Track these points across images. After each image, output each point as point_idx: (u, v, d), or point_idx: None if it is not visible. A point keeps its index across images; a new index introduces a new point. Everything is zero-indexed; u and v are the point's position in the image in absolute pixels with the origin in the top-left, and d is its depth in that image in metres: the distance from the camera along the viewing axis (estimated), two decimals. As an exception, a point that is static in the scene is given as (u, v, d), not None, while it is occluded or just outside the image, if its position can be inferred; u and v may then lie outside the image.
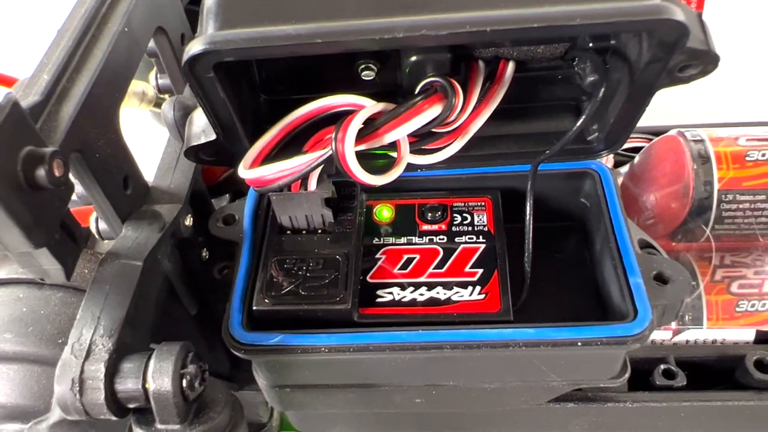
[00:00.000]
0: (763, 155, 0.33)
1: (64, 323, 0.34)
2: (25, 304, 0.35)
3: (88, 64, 0.27)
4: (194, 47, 0.22)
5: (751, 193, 0.33)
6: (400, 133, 0.24)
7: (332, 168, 0.26)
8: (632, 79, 0.25)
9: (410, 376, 0.28)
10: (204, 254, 0.32)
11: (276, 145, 0.27)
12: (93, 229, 0.29)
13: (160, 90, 0.34)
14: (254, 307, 0.27)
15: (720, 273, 0.35)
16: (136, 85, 0.42)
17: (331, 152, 0.24)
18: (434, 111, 0.24)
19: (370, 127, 0.24)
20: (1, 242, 0.22)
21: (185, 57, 0.22)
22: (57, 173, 0.22)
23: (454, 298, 0.27)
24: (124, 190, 0.28)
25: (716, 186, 0.33)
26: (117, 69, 0.27)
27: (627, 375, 0.29)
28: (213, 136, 0.26)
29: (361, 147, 0.24)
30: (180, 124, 0.30)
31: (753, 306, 0.34)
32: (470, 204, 0.30)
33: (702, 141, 0.34)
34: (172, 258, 0.29)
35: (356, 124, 0.24)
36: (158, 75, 0.34)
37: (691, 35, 0.22)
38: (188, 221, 0.30)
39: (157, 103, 0.42)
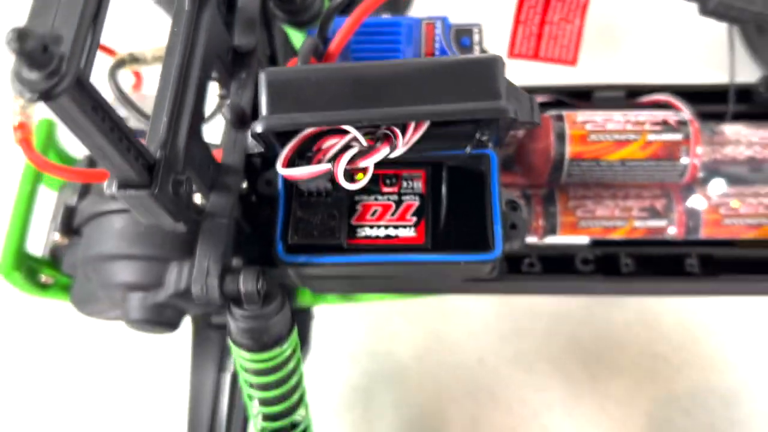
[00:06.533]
0: (597, 138, 0.53)
1: (165, 237, 0.56)
2: (144, 225, 0.56)
3: (186, 105, 0.45)
4: (257, 126, 0.41)
5: (588, 161, 0.53)
6: (368, 162, 0.44)
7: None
8: (500, 128, 0.45)
9: (376, 272, 0.51)
10: (254, 199, 0.53)
11: (296, 148, 0.47)
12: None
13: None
14: (289, 242, 0.48)
15: (571, 203, 0.56)
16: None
17: (330, 168, 0.44)
18: (386, 149, 0.44)
19: (353, 157, 0.44)
20: (160, 223, 0.43)
21: (252, 130, 0.41)
22: (186, 187, 0.43)
23: (400, 234, 0.49)
24: (209, 172, 0.48)
25: (567, 155, 0.53)
26: (200, 102, 0.46)
27: (496, 273, 0.51)
28: (262, 149, 0.46)
29: (345, 167, 0.44)
30: (233, 122, 0.49)
31: (587, 222, 0.56)
32: (413, 174, 0.51)
33: (563, 123, 0.54)
34: (238, 208, 0.50)
35: (345, 160, 0.44)
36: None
37: (521, 116, 0.41)
38: (244, 185, 0.51)
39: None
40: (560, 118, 0.54)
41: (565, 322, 0.80)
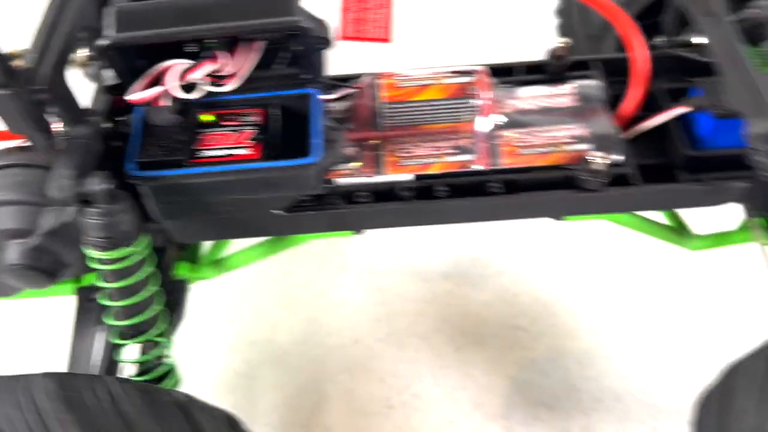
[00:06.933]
0: (404, 84, 0.65)
1: (42, 186, 0.64)
2: (21, 176, 0.64)
3: (53, 41, 0.55)
4: (104, 40, 0.51)
5: (400, 103, 0.65)
6: (195, 76, 0.55)
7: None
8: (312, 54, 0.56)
9: (218, 191, 0.59)
10: (115, 144, 0.62)
11: (147, 84, 0.57)
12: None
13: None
14: (138, 159, 0.57)
15: (392, 146, 0.67)
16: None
17: (165, 88, 0.55)
18: (209, 65, 0.55)
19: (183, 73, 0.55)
20: (34, 143, 0.52)
21: (99, 44, 0.52)
22: (46, 99, 0.52)
23: (237, 153, 0.59)
24: (73, 107, 0.58)
25: (383, 101, 0.65)
26: (67, 48, 0.57)
27: (319, 189, 0.61)
28: (119, 81, 0.56)
29: (179, 83, 0.55)
30: (96, 77, 0.60)
31: (407, 162, 0.66)
32: (251, 112, 0.61)
33: (378, 79, 0.66)
34: (100, 142, 0.59)
35: (173, 72, 0.54)
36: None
37: (315, 31, 0.53)
38: (107, 124, 0.60)
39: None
40: (376, 76, 0.67)
41: (432, 304, 0.88)
